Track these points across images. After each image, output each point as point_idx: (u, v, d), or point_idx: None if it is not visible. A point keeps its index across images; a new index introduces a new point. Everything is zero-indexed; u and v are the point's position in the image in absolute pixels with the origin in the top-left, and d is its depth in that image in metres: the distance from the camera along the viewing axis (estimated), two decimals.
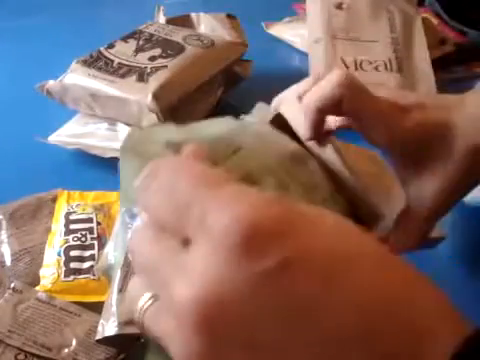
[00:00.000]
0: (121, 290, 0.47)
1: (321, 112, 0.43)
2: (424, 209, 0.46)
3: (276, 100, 0.49)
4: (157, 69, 0.72)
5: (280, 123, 0.47)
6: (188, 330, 0.22)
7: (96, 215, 0.58)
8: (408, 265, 0.24)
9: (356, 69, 0.82)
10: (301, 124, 0.44)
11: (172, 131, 0.40)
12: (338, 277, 0.22)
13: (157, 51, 0.76)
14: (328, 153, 0.44)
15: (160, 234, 0.25)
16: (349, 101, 0.43)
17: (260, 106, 0.49)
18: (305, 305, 0.21)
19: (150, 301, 0.26)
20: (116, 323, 0.45)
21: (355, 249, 0.23)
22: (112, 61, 0.74)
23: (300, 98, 0.45)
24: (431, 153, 0.45)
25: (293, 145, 0.43)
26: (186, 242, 0.23)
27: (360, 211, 0.44)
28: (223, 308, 0.21)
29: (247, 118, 0.47)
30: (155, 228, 0.25)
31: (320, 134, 0.44)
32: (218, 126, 0.41)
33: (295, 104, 0.46)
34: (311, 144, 0.45)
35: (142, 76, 0.71)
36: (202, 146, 0.27)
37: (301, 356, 0.22)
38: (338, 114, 0.45)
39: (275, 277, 0.21)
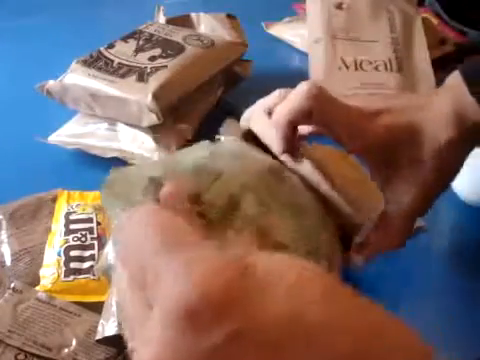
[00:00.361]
0: None
1: (292, 124, 0.43)
2: (402, 211, 0.46)
3: (245, 116, 0.49)
4: (157, 69, 0.72)
5: (252, 138, 0.47)
6: None
7: (96, 215, 0.58)
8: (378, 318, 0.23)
9: (356, 69, 0.83)
10: (273, 139, 0.45)
11: (155, 165, 0.41)
12: (290, 347, 0.21)
13: (157, 51, 0.76)
14: (305, 167, 0.44)
15: (136, 295, 0.25)
16: (318, 112, 0.43)
17: (229, 122, 0.50)
18: None
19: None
20: (116, 323, 0.45)
21: (313, 314, 0.21)
22: (112, 61, 0.74)
23: (269, 113, 0.46)
24: (402, 156, 0.45)
25: (269, 160, 0.44)
26: (151, 304, 0.23)
27: (343, 221, 0.44)
28: None
29: (222, 138, 0.48)
30: (132, 288, 0.25)
31: (293, 147, 0.44)
32: (198, 153, 0.42)
33: (264, 119, 0.46)
34: (286, 159, 0.45)
35: (142, 76, 0.71)
36: (184, 179, 0.28)
37: None
38: (309, 124, 0.45)
39: (224, 351, 0.20)
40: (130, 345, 0.26)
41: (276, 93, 0.47)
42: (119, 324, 0.44)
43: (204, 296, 0.21)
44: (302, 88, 0.43)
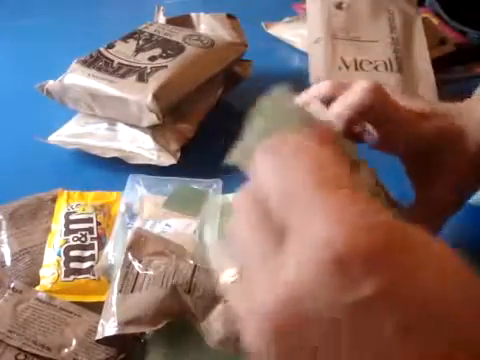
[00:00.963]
0: (121, 290, 0.47)
1: (352, 117, 0.44)
2: (434, 213, 0.47)
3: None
4: (157, 69, 0.72)
5: None
6: (256, 331, 0.22)
7: (96, 215, 0.58)
8: None
9: (356, 69, 0.82)
10: None
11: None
12: (421, 328, 0.20)
13: (157, 51, 0.76)
14: None
15: (261, 222, 0.24)
16: (379, 107, 0.44)
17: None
18: (380, 350, 0.20)
19: (234, 278, 0.25)
20: (116, 323, 0.45)
21: (455, 293, 0.21)
22: (112, 61, 0.74)
23: (324, 103, 0.46)
24: (444, 156, 0.47)
25: None
26: (283, 234, 0.22)
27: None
28: (297, 324, 0.20)
29: None
30: (258, 212, 0.24)
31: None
32: None
33: (317, 104, 0.46)
34: None
35: (142, 76, 0.71)
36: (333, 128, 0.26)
37: None
38: (364, 120, 0.46)
39: (368, 307, 0.20)
40: (233, 271, 0.25)
41: (329, 83, 0.47)
42: (119, 324, 0.44)
43: (358, 247, 0.20)
44: (364, 83, 0.44)
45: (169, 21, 0.87)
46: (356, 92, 0.44)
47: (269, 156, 0.24)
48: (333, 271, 0.20)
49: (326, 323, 0.20)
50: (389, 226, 0.21)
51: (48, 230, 0.58)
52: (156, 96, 0.68)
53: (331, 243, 0.20)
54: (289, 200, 0.22)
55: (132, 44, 0.78)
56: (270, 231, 0.23)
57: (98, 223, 0.58)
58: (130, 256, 0.49)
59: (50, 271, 0.53)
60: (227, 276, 0.25)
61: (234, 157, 0.34)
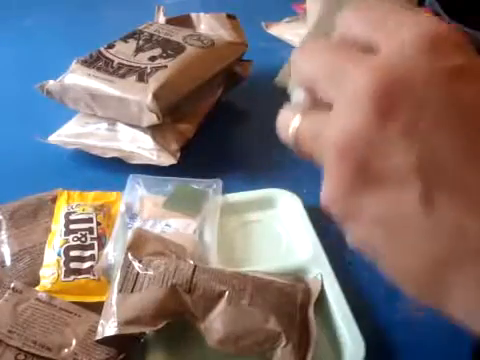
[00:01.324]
0: (121, 290, 0.47)
1: None
2: None
3: None
4: (157, 69, 0.72)
5: None
6: (363, 106, 0.22)
7: (96, 215, 0.58)
8: None
9: None
10: None
11: None
12: None
13: (157, 51, 0.76)
14: None
15: (341, 44, 0.25)
16: None
17: None
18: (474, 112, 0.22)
19: (301, 120, 0.26)
20: (116, 323, 0.45)
21: None
22: (112, 61, 0.74)
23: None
24: None
25: None
26: (370, 50, 0.24)
27: None
28: (402, 88, 0.22)
29: None
30: (339, 41, 0.26)
31: None
32: None
33: None
34: None
35: (142, 76, 0.71)
36: None
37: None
38: None
39: (460, 73, 0.22)
40: (298, 116, 0.26)
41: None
42: (119, 324, 0.44)
43: (449, 29, 0.23)
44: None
45: (169, 21, 0.87)
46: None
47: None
48: (430, 47, 0.22)
49: (425, 89, 0.22)
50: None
51: (48, 230, 0.57)
52: (156, 96, 0.68)
53: (424, 26, 0.23)
54: (379, 21, 0.25)
55: (132, 44, 0.78)
56: (351, 48, 0.25)
57: (98, 223, 0.58)
58: (130, 256, 0.49)
59: (50, 271, 0.53)
60: (296, 122, 0.26)
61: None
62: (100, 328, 0.45)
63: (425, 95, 0.22)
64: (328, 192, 0.24)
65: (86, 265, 0.53)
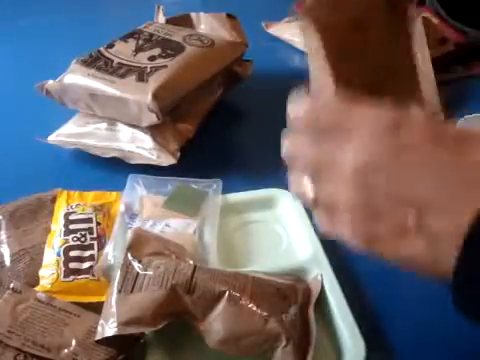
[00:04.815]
0: (121, 290, 0.47)
1: None
2: None
3: None
4: (157, 69, 0.72)
5: None
6: (349, 184, 0.31)
7: (96, 215, 0.58)
8: None
9: None
10: None
11: None
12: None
13: (157, 51, 0.76)
14: None
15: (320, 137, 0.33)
16: None
17: None
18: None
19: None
20: (116, 323, 0.45)
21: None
22: (112, 61, 0.74)
23: None
24: None
25: None
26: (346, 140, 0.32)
27: None
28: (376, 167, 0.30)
29: None
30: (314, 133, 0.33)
31: None
32: None
33: None
34: None
35: (142, 76, 0.71)
36: None
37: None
38: None
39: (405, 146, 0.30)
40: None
41: None
42: (119, 324, 0.44)
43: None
44: None
45: (169, 21, 0.87)
46: None
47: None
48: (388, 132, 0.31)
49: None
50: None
51: (48, 230, 0.57)
52: (156, 96, 0.68)
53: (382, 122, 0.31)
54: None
55: (132, 44, 0.77)
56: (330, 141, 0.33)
57: (98, 223, 0.57)
58: (130, 256, 0.49)
59: (50, 271, 0.53)
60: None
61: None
62: (100, 328, 0.45)
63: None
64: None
65: (86, 265, 0.53)
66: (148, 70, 0.71)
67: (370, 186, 0.30)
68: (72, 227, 0.56)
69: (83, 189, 0.63)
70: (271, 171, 0.71)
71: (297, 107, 0.35)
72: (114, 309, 0.45)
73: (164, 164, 0.68)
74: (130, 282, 0.47)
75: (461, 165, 0.28)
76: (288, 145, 0.36)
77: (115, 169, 0.69)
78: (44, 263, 0.54)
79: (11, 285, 0.49)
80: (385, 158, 0.30)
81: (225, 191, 0.63)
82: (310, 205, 0.35)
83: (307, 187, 0.34)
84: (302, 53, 0.95)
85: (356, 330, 0.47)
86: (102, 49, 0.76)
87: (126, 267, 0.49)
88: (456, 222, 0.27)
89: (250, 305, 0.46)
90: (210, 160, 0.73)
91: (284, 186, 0.64)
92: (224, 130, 0.79)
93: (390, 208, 0.30)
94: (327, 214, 0.33)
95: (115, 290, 0.47)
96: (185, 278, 0.47)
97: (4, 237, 0.57)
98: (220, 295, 0.46)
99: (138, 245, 0.51)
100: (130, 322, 0.45)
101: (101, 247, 0.55)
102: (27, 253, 0.55)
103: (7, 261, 0.55)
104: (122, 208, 0.59)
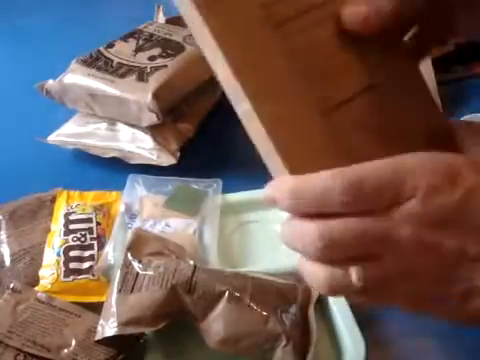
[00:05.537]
0: (121, 290, 0.47)
1: None
2: None
3: None
4: (157, 69, 0.72)
5: None
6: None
7: (96, 215, 0.58)
8: None
9: None
10: None
11: None
12: None
13: (157, 51, 0.76)
14: None
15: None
16: None
17: None
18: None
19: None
20: (116, 323, 0.45)
21: None
22: (112, 61, 0.74)
23: None
24: None
25: None
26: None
27: None
28: None
29: None
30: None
31: None
32: None
33: None
34: None
35: (142, 76, 0.71)
36: None
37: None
38: None
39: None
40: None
41: None
42: (119, 324, 0.44)
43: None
44: None
45: (169, 21, 0.87)
46: None
47: None
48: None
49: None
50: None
51: (47, 230, 0.57)
52: (156, 96, 0.68)
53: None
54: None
55: (132, 44, 0.77)
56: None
57: (98, 223, 0.57)
58: (130, 256, 0.49)
59: (49, 271, 0.53)
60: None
61: None
62: (100, 328, 0.45)
63: None
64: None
65: (86, 265, 0.53)
66: (148, 70, 0.71)
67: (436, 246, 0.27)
68: (72, 227, 0.56)
69: (83, 189, 0.63)
70: None
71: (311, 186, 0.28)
72: (114, 309, 0.45)
73: (164, 164, 0.68)
74: (130, 282, 0.47)
75: None
76: (320, 232, 0.29)
77: (115, 169, 0.69)
78: (44, 263, 0.54)
79: (11, 285, 0.49)
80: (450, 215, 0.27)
81: (225, 191, 0.63)
82: (353, 294, 0.30)
83: (351, 276, 0.29)
84: None
85: (356, 330, 0.47)
86: (102, 49, 0.76)
87: (126, 267, 0.48)
88: None
89: (250, 305, 0.46)
90: (210, 160, 0.73)
91: None
92: (224, 130, 0.79)
93: (462, 269, 0.27)
94: (379, 293, 0.29)
95: (115, 290, 0.47)
96: (185, 278, 0.47)
97: (4, 237, 0.57)
98: (220, 295, 0.46)
99: (138, 245, 0.51)
100: (130, 322, 0.45)
101: (101, 247, 0.55)
102: (27, 253, 0.55)
103: (7, 261, 0.55)
104: (122, 208, 0.59)
